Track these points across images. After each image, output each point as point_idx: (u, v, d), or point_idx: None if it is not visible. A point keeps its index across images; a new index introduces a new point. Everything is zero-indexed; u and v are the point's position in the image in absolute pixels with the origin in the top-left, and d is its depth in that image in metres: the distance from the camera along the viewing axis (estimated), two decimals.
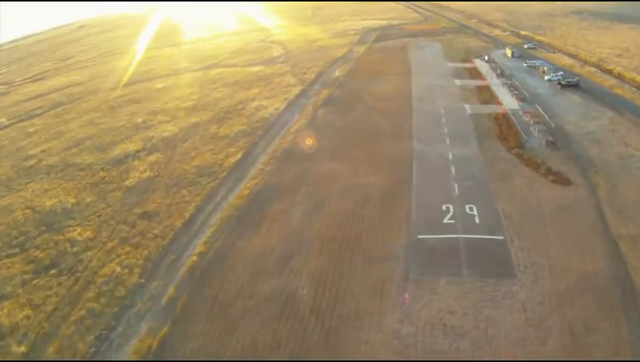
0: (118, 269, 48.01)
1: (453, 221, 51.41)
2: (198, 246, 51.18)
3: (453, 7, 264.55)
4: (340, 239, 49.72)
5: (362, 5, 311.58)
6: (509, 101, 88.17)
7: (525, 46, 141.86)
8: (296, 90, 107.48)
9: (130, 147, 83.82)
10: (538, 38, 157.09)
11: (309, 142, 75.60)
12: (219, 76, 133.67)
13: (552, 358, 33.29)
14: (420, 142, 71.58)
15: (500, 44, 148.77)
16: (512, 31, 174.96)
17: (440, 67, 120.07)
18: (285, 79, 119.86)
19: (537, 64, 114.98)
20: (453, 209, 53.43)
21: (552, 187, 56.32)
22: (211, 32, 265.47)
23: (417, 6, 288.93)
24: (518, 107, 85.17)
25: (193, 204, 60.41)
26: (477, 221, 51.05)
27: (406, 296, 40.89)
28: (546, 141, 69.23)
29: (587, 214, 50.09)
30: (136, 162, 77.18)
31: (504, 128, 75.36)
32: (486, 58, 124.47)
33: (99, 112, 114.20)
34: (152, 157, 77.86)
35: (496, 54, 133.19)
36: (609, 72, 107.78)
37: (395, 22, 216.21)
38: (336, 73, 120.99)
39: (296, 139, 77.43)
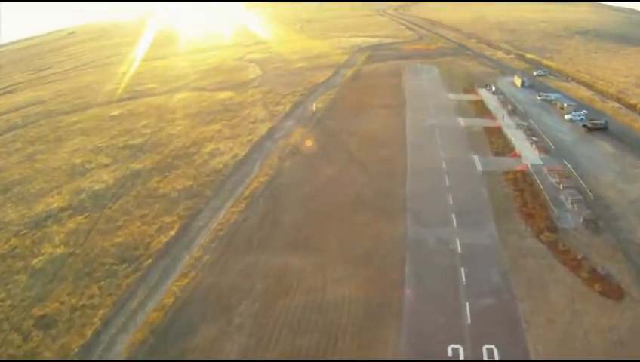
0: None
1: None
2: None
3: (448, 24, 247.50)
4: None
5: (354, 20, 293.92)
6: (528, 152, 69.75)
7: (534, 73, 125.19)
8: (264, 128, 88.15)
9: (56, 202, 67.67)
10: (546, 62, 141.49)
11: (264, 216, 55.44)
12: (181, 103, 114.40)
13: None
14: (417, 222, 52.12)
15: (505, 69, 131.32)
16: (517, 54, 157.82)
17: (439, 99, 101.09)
18: (254, 112, 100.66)
19: (553, 97, 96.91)
20: (464, 354, 35.17)
21: (601, 304, 39.57)
22: (193, 45, 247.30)
23: (411, 23, 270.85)
24: (540, 161, 66.95)
25: (101, 313, 43.65)
26: None
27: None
28: (584, 219, 51.69)
29: None
30: (55, 227, 60.58)
31: (527, 196, 56.93)
32: (493, 89, 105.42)
33: (44, 144, 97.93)
34: (74, 222, 61.12)
35: (504, 83, 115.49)
36: (633, 107, 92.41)
37: (387, 40, 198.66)
38: (315, 105, 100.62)
39: (249, 210, 57.77)
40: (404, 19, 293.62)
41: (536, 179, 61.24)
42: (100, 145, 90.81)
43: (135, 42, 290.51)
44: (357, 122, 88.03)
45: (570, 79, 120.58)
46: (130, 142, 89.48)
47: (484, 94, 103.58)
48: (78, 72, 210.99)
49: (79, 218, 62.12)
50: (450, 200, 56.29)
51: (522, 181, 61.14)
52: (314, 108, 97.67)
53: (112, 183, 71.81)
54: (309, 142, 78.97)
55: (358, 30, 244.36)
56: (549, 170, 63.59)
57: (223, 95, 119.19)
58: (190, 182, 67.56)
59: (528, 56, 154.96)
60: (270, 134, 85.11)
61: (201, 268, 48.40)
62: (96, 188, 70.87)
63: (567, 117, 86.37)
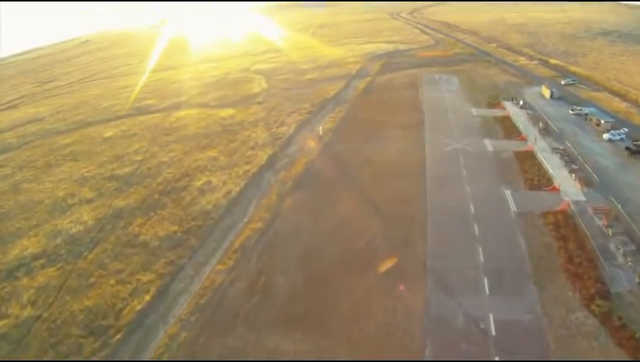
0: None
1: None
2: None
3: (465, 27, 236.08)
4: None
5: (368, 25, 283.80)
6: (568, 185, 59.32)
7: (563, 82, 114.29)
8: (264, 155, 78.73)
9: (31, 247, 60.21)
10: (572, 68, 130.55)
11: (255, 278, 45.93)
12: (178, 123, 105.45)
13: None
14: (440, 289, 42.26)
15: (530, 77, 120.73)
16: (540, 59, 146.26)
17: (462, 116, 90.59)
18: (255, 134, 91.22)
19: (587, 112, 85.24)
20: None
21: None
22: (201, 54, 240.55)
23: (426, 26, 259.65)
24: (583, 197, 56.38)
25: None
26: None
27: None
28: None
29: None
30: (25, 280, 53.35)
31: (572, 248, 47.03)
32: (520, 102, 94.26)
33: (32, 170, 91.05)
34: (45, 275, 53.55)
35: (531, 94, 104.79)
36: None
37: (402, 46, 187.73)
38: (322, 128, 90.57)
39: (238, 269, 48.80)
40: (419, 23, 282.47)
41: (581, 223, 51.22)
42: (87, 174, 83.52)
43: (144, 52, 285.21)
44: (369, 147, 78.04)
45: (601, 88, 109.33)
46: (118, 171, 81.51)
47: (511, 109, 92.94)
48: (83, 84, 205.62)
49: (51, 270, 54.81)
50: (481, 257, 46.07)
51: (564, 225, 51.00)
52: (320, 132, 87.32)
53: (92, 225, 63.79)
54: (313, 175, 68.99)
55: (372, 35, 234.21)
56: (594, 210, 53.45)
57: (223, 113, 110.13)
58: (175, 228, 58.67)
59: (553, 61, 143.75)
60: (270, 163, 75.63)
61: (176, 350, 39.86)
62: (74, 231, 63.15)
63: (605, 136, 76.20)
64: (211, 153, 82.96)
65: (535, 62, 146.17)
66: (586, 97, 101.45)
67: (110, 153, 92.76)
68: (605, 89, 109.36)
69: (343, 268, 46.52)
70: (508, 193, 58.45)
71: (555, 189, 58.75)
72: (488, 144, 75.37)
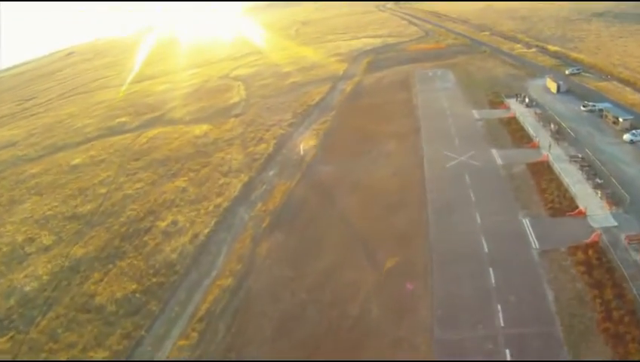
0: None
1: None
2: None
3: (454, 16, 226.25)
4: None
5: (353, 19, 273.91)
6: (594, 206, 50.60)
7: (567, 72, 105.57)
8: (238, 184, 69.48)
9: None
10: (573, 55, 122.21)
11: (224, 357, 37.17)
12: (149, 145, 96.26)
13: None
14: None
15: (531, 68, 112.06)
16: (537, 46, 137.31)
17: (462, 120, 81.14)
18: (229, 155, 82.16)
19: (601, 107, 75.89)
20: None
21: None
22: (181, 61, 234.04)
23: (414, 17, 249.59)
24: (614, 221, 46.93)
25: None
26: None
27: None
28: None
29: None
30: None
31: (609, 296, 38.57)
32: (526, 100, 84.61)
33: None
34: None
35: (535, 88, 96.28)
36: None
37: (390, 40, 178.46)
38: (306, 142, 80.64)
39: (204, 345, 40.62)
40: (406, 14, 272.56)
41: (616, 259, 41.86)
42: (48, 212, 75.51)
43: (125, 62, 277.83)
44: (359, 167, 68.24)
45: (608, 77, 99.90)
46: (80, 209, 73.35)
47: (516, 108, 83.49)
48: (60, 101, 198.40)
49: (2, 340, 47.61)
50: (501, 319, 36.36)
51: (597, 265, 41.83)
52: (302, 152, 77.37)
53: (46, 281, 55.99)
54: (293, 208, 59.32)
55: (358, 30, 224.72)
56: (629, 240, 43.77)
57: (197, 130, 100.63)
58: (134, 286, 49.93)
59: (551, 48, 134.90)
60: (245, 194, 66.05)
61: None
62: (28, 289, 55.65)
63: (625, 137, 67.27)
64: (180, 183, 73.70)
65: (533, 49, 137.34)
66: (594, 88, 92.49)
67: (74, 186, 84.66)
68: (613, 77, 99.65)
69: (330, 343, 37.06)
70: (526, 222, 48.88)
71: (581, 213, 49.13)
72: (496, 155, 65.62)
